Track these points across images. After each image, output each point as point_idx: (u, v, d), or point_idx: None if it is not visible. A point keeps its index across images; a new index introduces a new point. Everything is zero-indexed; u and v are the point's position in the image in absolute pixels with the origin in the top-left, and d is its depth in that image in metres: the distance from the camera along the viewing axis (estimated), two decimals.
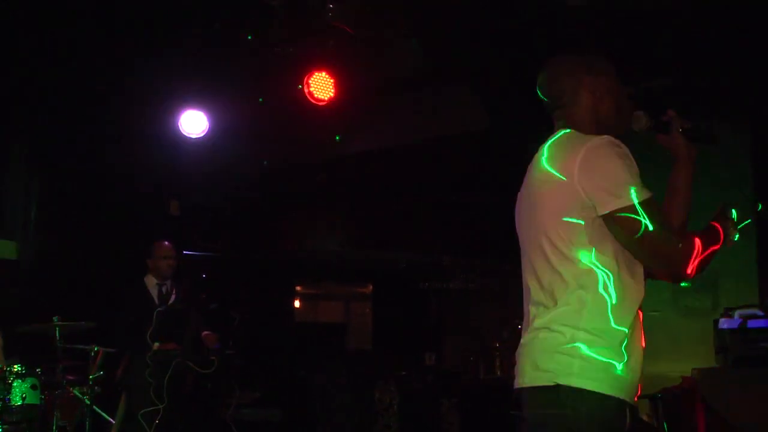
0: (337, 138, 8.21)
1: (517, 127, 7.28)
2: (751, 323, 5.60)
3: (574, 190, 2.54)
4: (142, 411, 6.30)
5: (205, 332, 6.81)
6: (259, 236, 9.82)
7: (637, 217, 2.50)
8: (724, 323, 5.74)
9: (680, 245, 2.58)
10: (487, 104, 7.45)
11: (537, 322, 2.61)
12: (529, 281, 2.70)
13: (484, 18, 6.13)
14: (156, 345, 6.52)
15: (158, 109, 7.79)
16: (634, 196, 2.52)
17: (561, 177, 2.57)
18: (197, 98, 7.74)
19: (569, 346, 2.52)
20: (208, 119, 7.79)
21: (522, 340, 2.68)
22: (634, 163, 2.58)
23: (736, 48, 6.07)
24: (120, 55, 6.93)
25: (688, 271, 2.60)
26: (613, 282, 2.59)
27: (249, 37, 6.74)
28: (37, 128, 7.79)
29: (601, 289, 2.57)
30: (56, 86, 7.28)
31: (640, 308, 2.73)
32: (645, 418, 6.23)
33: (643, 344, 2.77)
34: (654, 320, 6.83)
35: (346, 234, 10.45)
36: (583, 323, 2.54)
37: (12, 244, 7.73)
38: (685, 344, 6.53)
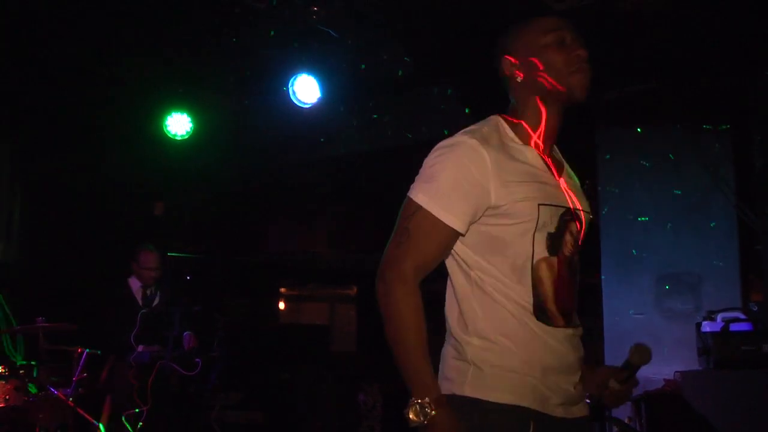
0: (322, 140, 8.22)
1: None
2: (734, 326, 5.64)
3: None
4: (125, 413, 6.29)
5: (186, 332, 6.80)
6: (243, 238, 9.82)
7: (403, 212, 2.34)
8: (706, 326, 5.78)
9: (389, 283, 2.33)
10: (473, 106, 7.47)
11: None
12: None
13: (469, 20, 6.14)
14: (140, 347, 6.51)
15: (143, 110, 7.78)
16: (415, 191, 2.32)
17: None
18: (183, 100, 7.74)
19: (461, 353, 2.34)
20: (194, 121, 7.79)
21: None
22: (466, 166, 2.27)
23: (718, 52, 6.10)
24: (105, 57, 6.91)
25: (381, 274, 2.34)
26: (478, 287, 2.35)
27: (234, 40, 6.74)
28: (21, 128, 7.76)
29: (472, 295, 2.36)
30: (40, 87, 7.26)
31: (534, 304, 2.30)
32: (627, 420, 6.26)
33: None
34: (637, 323, 6.90)
35: (330, 236, 10.45)
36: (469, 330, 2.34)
37: None
38: (667, 347, 6.56)
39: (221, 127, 8.05)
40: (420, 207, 2.29)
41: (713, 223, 6.71)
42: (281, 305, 11.95)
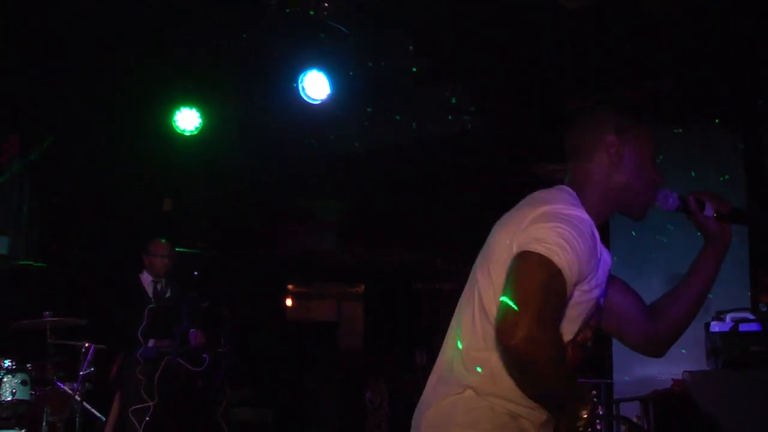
0: (332, 137, 8.21)
1: (511, 128, 7.29)
2: (743, 327, 5.62)
3: (512, 238, 2.21)
4: (132, 408, 6.30)
5: (192, 330, 6.79)
6: (251, 234, 9.82)
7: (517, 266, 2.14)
8: (715, 326, 5.76)
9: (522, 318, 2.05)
10: (482, 105, 7.45)
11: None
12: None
13: (479, 19, 6.13)
14: (150, 342, 6.51)
15: (152, 106, 7.78)
16: (533, 247, 2.13)
17: (506, 238, 2.24)
18: (192, 96, 7.73)
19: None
20: (203, 116, 7.79)
21: None
22: (581, 240, 2.16)
23: (730, 53, 6.08)
24: (115, 52, 6.91)
25: (513, 333, 2.03)
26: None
27: (244, 35, 6.74)
28: (30, 124, 7.77)
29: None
30: (50, 82, 7.26)
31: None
32: (635, 419, 6.25)
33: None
34: None
35: (339, 233, 10.44)
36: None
37: (4, 239, 7.71)
38: (676, 347, 6.53)
39: (230, 123, 8.04)
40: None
41: None
42: (289, 302, 11.95)
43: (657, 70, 6.48)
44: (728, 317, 5.76)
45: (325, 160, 8.71)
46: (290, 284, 11.83)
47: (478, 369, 2.24)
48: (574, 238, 2.14)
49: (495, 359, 2.21)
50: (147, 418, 6.27)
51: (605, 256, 2.36)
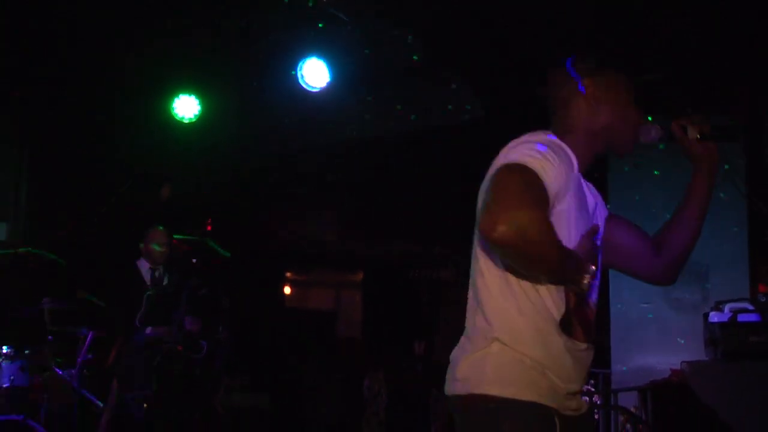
0: (331, 125, 8.20)
1: (511, 117, 7.27)
2: (742, 317, 5.61)
3: None
4: (130, 394, 6.31)
5: (188, 317, 6.78)
6: (250, 222, 9.81)
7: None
8: (714, 317, 5.75)
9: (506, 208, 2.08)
10: (482, 94, 7.44)
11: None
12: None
13: (478, 7, 6.11)
14: (148, 329, 6.51)
15: (151, 92, 7.76)
16: (504, 161, 2.21)
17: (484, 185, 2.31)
18: (190, 83, 7.71)
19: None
20: (202, 104, 7.77)
21: None
22: (554, 154, 2.23)
23: (733, 42, 6.07)
24: (113, 39, 6.89)
25: (493, 226, 2.05)
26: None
27: (243, 23, 6.71)
28: (28, 109, 7.75)
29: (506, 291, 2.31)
30: (47, 70, 7.24)
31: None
32: (633, 410, 6.25)
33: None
34: (644, 313, 6.87)
35: (337, 221, 10.44)
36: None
37: (1, 226, 7.70)
38: (674, 337, 6.54)
39: (229, 110, 8.03)
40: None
41: (723, 213, 6.68)
42: (287, 290, 11.96)
43: (658, 61, 6.47)
44: (727, 307, 5.76)
45: (324, 148, 8.70)
46: (288, 272, 11.83)
47: (499, 321, 2.29)
48: (546, 150, 2.22)
49: (513, 309, 2.27)
50: (145, 405, 6.28)
51: (598, 201, 2.53)
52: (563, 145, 2.33)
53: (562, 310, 2.30)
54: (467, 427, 2.32)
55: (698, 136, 2.56)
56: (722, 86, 6.49)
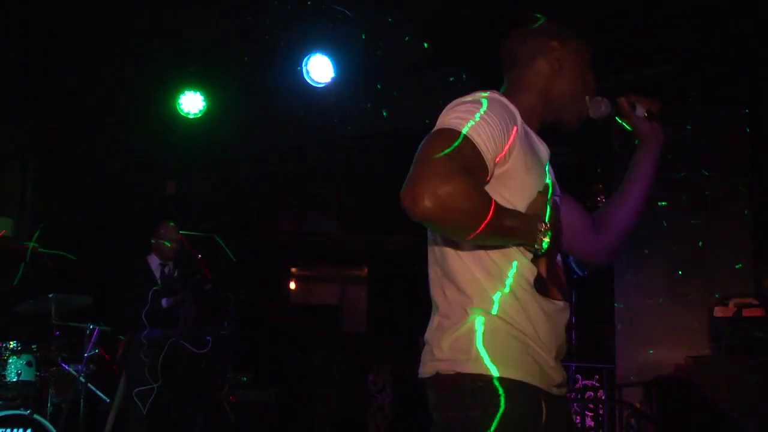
0: (335, 120, 8.21)
1: None
2: (746, 312, 5.62)
3: None
4: (136, 390, 6.33)
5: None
6: (255, 217, 9.82)
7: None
8: (718, 312, 5.77)
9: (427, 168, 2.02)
10: (486, 88, 7.43)
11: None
12: None
13: (482, 1, 6.11)
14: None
15: (156, 89, 7.77)
16: (436, 127, 2.16)
17: None
18: (196, 79, 7.72)
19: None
20: (207, 99, 7.78)
21: None
22: (494, 119, 2.15)
23: (735, 36, 6.06)
24: (118, 36, 6.90)
25: (414, 199, 1.99)
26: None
27: (248, 18, 6.72)
28: (34, 106, 7.76)
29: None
30: (53, 65, 7.25)
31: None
32: (637, 404, 6.26)
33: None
34: (648, 307, 6.88)
35: (342, 216, 10.44)
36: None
37: (8, 221, 7.72)
38: (679, 332, 6.55)
39: (234, 106, 8.04)
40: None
41: (728, 209, 6.68)
42: (292, 285, 11.97)
43: (662, 54, 6.46)
44: (731, 302, 5.77)
45: (329, 143, 8.71)
46: (293, 267, 11.84)
47: (473, 290, 2.22)
48: (485, 111, 2.15)
49: (485, 276, 2.21)
50: (151, 400, 6.30)
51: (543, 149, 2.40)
52: (506, 101, 2.25)
53: (535, 272, 2.22)
54: (450, 406, 2.20)
55: (645, 113, 2.54)
56: (726, 82, 6.49)
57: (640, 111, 2.54)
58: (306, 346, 9.15)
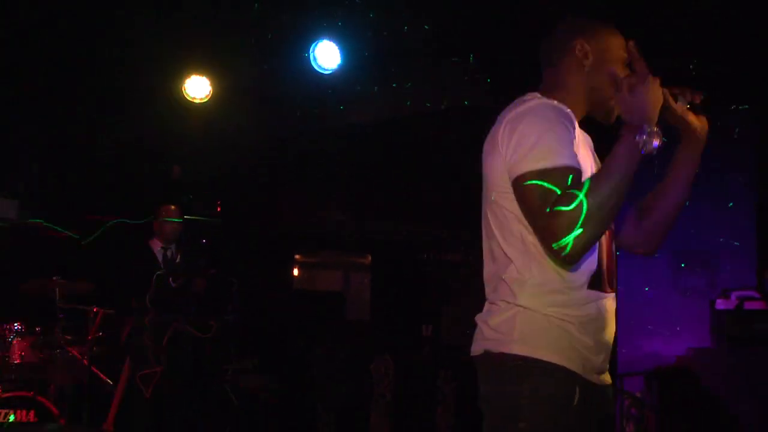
0: (342, 107, 8.20)
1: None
2: (748, 305, 5.63)
3: (502, 160, 2.34)
4: (140, 374, 6.35)
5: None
6: (259, 203, 9.82)
7: (533, 185, 2.21)
8: (720, 304, 5.78)
9: (552, 213, 2.14)
10: (491, 76, 7.42)
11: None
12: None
13: None
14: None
15: (162, 73, 7.77)
16: (533, 162, 2.22)
17: (494, 147, 2.38)
18: (202, 64, 7.72)
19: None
20: (213, 85, 7.77)
21: None
22: (569, 130, 2.29)
23: (743, 33, 6.04)
24: (124, 19, 6.90)
25: (561, 245, 2.14)
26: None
27: (255, 3, 6.71)
28: (39, 91, 7.76)
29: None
30: (59, 50, 7.25)
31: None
32: (638, 395, 6.28)
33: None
34: (651, 299, 6.89)
35: (346, 203, 10.44)
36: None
37: (13, 204, 7.73)
38: (681, 324, 6.56)
39: (240, 91, 8.03)
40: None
41: (731, 203, 6.68)
42: (295, 272, 11.98)
43: (668, 49, 6.45)
44: (733, 295, 5.78)
45: (334, 129, 8.71)
46: (297, 254, 11.85)
47: (519, 287, 2.35)
48: (559, 124, 2.27)
49: (534, 275, 2.33)
50: (154, 384, 6.33)
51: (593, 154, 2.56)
52: (560, 106, 2.36)
53: (593, 266, 2.36)
54: (493, 382, 2.38)
55: (687, 105, 2.50)
56: (731, 78, 6.47)
57: (683, 102, 2.51)
58: (309, 333, 9.17)
